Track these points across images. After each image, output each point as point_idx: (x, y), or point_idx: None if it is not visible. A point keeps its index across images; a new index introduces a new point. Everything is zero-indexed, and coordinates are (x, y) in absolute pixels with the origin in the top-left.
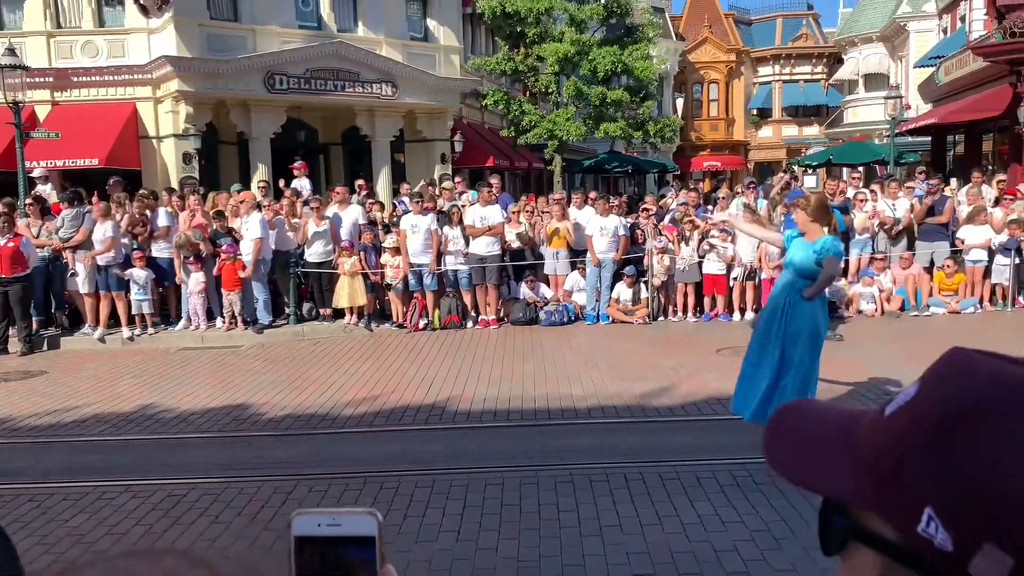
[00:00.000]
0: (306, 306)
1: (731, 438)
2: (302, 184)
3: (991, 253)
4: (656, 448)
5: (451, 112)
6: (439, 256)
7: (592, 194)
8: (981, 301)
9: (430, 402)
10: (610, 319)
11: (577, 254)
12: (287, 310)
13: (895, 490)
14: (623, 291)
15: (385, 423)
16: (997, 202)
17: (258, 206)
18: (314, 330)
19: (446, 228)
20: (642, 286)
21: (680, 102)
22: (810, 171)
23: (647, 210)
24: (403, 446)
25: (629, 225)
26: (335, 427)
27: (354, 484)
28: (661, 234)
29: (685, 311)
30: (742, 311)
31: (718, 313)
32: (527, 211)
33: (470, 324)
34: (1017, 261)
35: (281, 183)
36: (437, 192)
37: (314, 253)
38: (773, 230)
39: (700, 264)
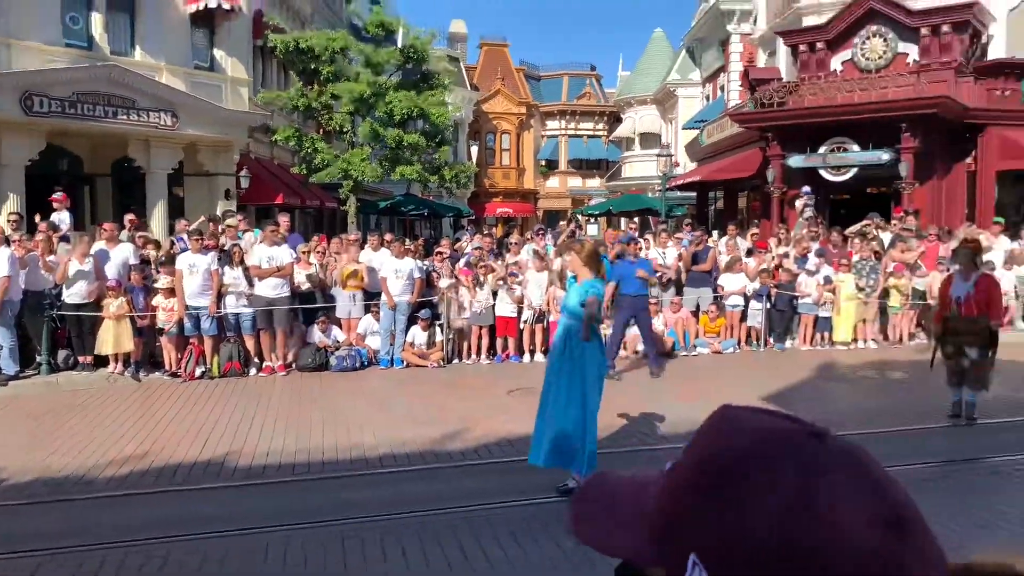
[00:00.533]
0: (62, 353)
1: (524, 479)
2: (61, 218)
3: (747, 299)
4: (448, 494)
5: (237, 146)
6: (219, 298)
7: (388, 236)
8: (739, 342)
9: (206, 458)
10: (404, 363)
11: (371, 296)
12: (38, 358)
13: (668, 542)
14: (418, 334)
15: (153, 484)
16: (750, 253)
17: (6, 240)
18: (71, 380)
19: (227, 268)
20: (437, 329)
21: (474, 150)
22: (592, 220)
23: (442, 253)
24: (173, 509)
25: (424, 268)
26: (92, 491)
27: (113, 557)
28: (456, 278)
29: (479, 353)
30: (532, 352)
31: (510, 355)
32: (318, 252)
33: (253, 371)
34: (768, 306)
35: (37, 217)
36: (220, 229)
37: (74, 294)
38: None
39: (493, 307)
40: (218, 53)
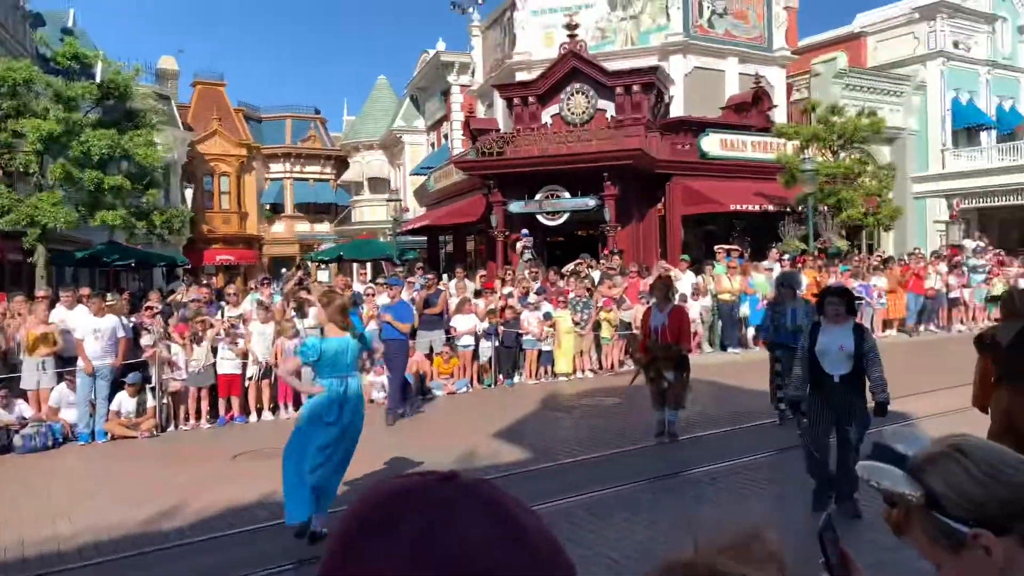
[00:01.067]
0: None
1: (249, 551)
2: None
3: (477, 338)
4: None
5: None
6: None
7: (85, 290)
8: (471, 380)
9: None
10: (109, 436)
11: (67, 362)
12: None
13: None
14: (125, 401)
15: None
16: (479, 294)
17: None
18: None
19: None
20: (148, 394)
21: (190, 193)
22: (323, 266)
23: (152, 308)
24: None
25: (131, 325)
26: None
27: None
28: (169, 334)
29: (199, 417)
30: (259, 411)
31: (234, 415)
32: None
33: None
34: (496, 344)
35: None
36: None
37: None
38: (289, 325)
39: (214, 365)
40: None
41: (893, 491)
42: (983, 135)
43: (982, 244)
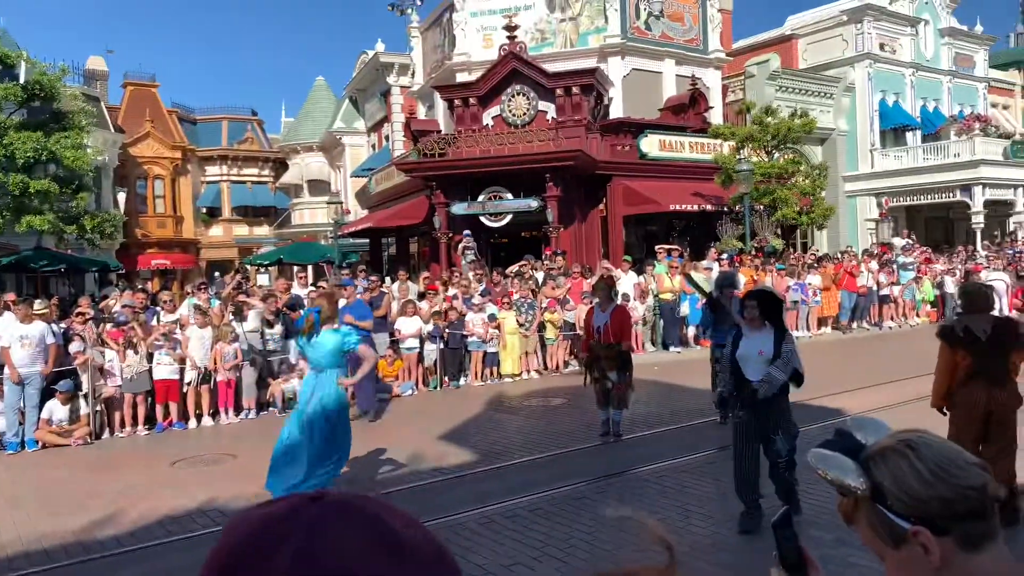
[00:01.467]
0: None
1: (188, 557)
2: None
3: (422, 341)
4: None
5: None
6: None
7: (10, 296)
8: (417, 383)
9: None
10: (40, 444)
11: None
12: None
13: None
14: (57, 409)
15: None
16: (423, 296)
17: None
18: None
19: None
20: (81, 401)
21: (123, 197)
22: (263, 270)
23: (83, 314)
24: None
25: (62, 332)
26: None
27: None
28: (103, 340)
29: (135, 424)
30: (199, 417)
31: (172, 422)
32: None
33: None
34: (442, 346)
35: None
36: None
37: None
38: (228, 329)
39: (150, 371)
40: None
41: (839, 481)
42: (909, 135)
43: (910, 242)
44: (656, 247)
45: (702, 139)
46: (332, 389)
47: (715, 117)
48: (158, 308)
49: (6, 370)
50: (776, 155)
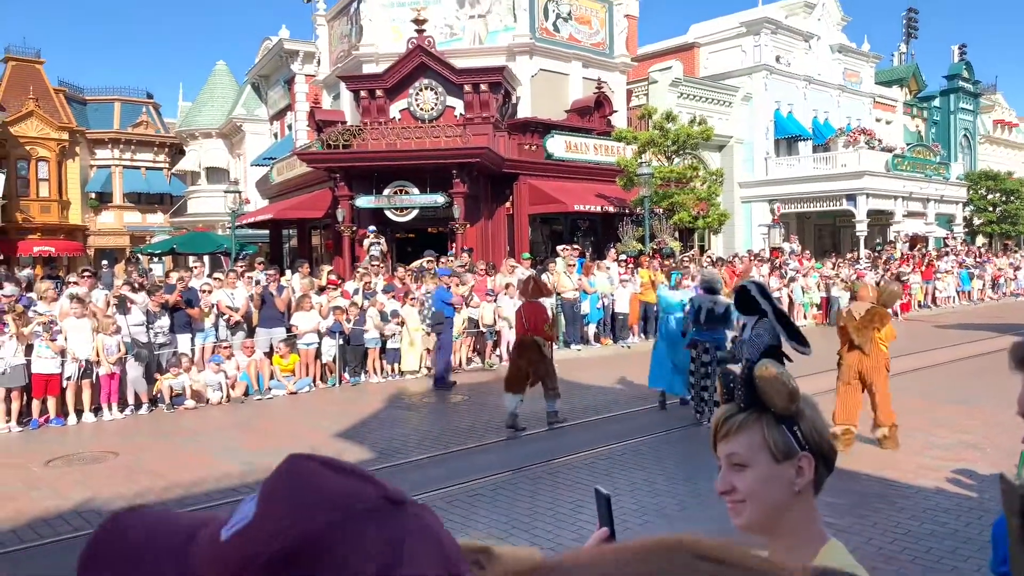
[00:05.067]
0: None
1: (59, 560)
2: None
3: (320, 336)
4: None
5: None
6: None
7: None
8: (314, 379)
9: None
10: None
11: None
12: None
13: None
14: None
15: None
16: (322, 290)
17: None
18: None
19: None
20: None
21: (1, 179)
22: (156, 259)
23: None
24: None
25: None
26: None
27: None
28: None
29: (9, 418)
30: (79, 412)
31: (50, 418)
32: None
33: None
34: (341, 342)
35: None
36: None
37: None
38: (109, 322)
39: (28, 364)
40: None
41: (784, 385)
42: (801, 145)
43: (796, 248)
44: (559, 247)
45: (606, 142)
46: None
47: (619, 120)
48: (37, 298)
49: None
50: (676, 160)
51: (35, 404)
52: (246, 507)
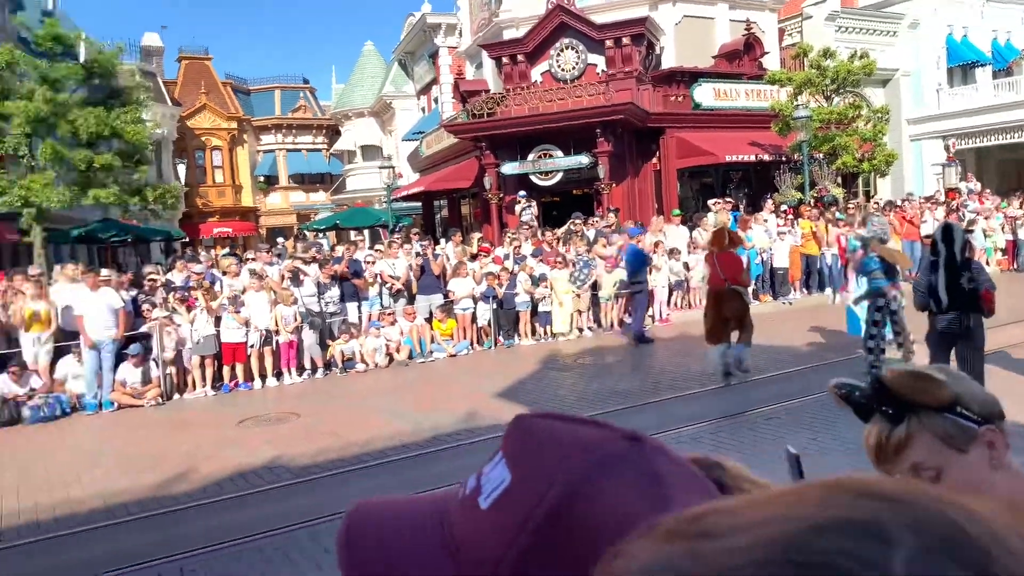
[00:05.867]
0: None
1: (256, 512)
2: None
3: (475, 301)
4: (173, 540)
5: None
6: None
7: (80, 267)
8: (471, 343)
9: None
10: (116, 405)
11: (69, 336)
12: None
13: None
14: (130, 372)
15: None
16: (475, 257)
17: None
18: None
19: None
20: (152, 364)
21: (183, 168)
22: (320, 235)
23: (153, 281)
24: None
25: (132, 298)
26: None
27: None
28: (172, 307)
29: (204, 384)
30: (263, 377)
31: (238, 383)
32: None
33: None
34: (494, 306)
35: None
36: None
37: None
38: (287, 294)
39: (218, 334)
40: None
41: (919, 380)
42: (978, 72)
43: (975, 187)
44: (710, 201)
45: (758, 86)
46: None
47: (771, 62)
48: (222, 274)
49: (82, 336)
50: (836, 100)
51: (225, 370)
52: (493, 473)
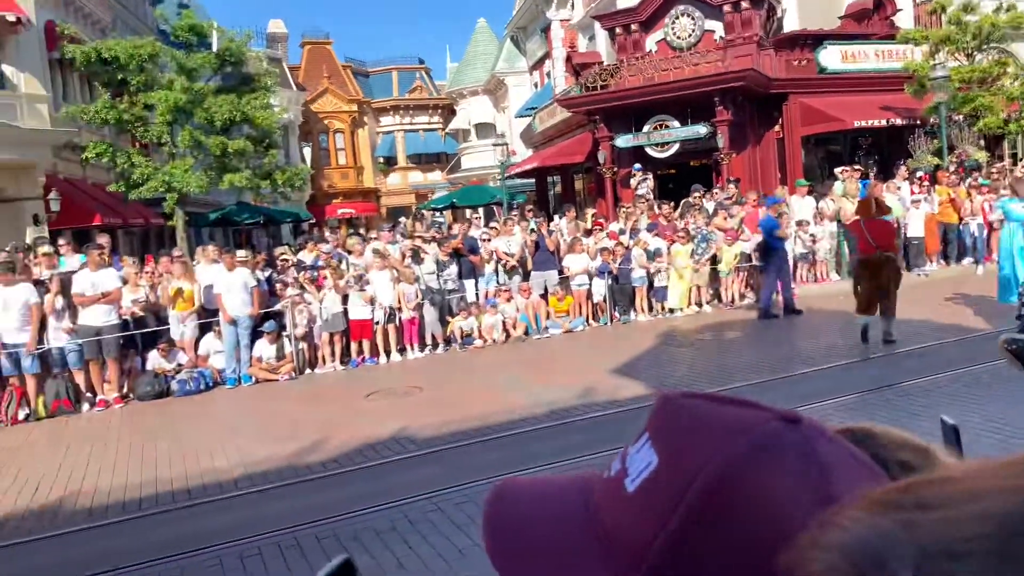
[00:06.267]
0: None
1: (384, 483)
2: None
3: (590, 277)
4: (309, 508)
5: (42, 167)
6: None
7: (217, 248)
8: (587, 319)
9: (38, 507)
10: (253, 380)
11: (211, 314)
12: None
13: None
14: (265, 348)
15: None
16: (589, 233)
17: None
18: None
19: (47, 299)
20: (285, 340)
21: (308, 151)
22: (438, 213)
23: (285, 261)
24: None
25: (267, 278)
26: None
27: None
28: (303, 285)
29: (334, 359)
30: (388, 353)
31: (365, 358)
32: (147, 272)
33: (86, 407)
34: (610, 282)
35: None
36: (33, 259)
37: None
38: (409, 272)
39: (345, 311)
40: (7, 69)
41: None
42: None
43: None
44: (837, 169)
45: (890, 46)
46: None
47: (904, 20)
48: (348, 253)
49: (221, 313)
50: (978, 57)
51: (353, 346)
52: (639, 455)
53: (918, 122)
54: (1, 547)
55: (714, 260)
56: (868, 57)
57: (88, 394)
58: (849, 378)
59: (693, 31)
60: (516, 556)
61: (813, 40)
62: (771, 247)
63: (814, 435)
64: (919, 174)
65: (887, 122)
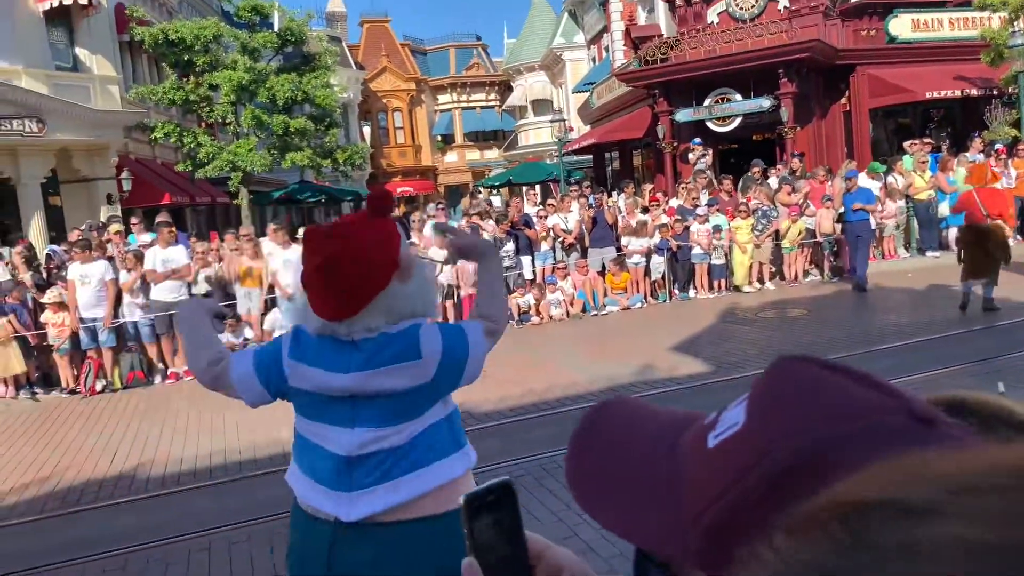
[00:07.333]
0: None
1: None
2: None
3: (649, 254)
4: None
5: (114, 147)
6: (116, 307)
7: (271, 226)
8: (645, 296)
9: (116, 473)
10: None
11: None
12: None
13: (725, 548)
14: None
15: (60, 506)
16: (647, 210)
17: None
18: None
19: (123, 275)
20: None
21: (367, 130)
22: (495, 191)
23: None
24: (85, 529)
25: None
26: None
27: None
28: None
29: None
30: None
31: None
32: (213, 249)
33: (158, 379)
34: (669, 258)
35: None
36: (107, 236)
37: None
38: None
39: None
40: (80, 52)
41: None
42: None
43: None
44: (906, 143)
45: (965, 13)
46: None
47: None
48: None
49: (278, 289)
50: None
51: None
52: (731, 413)
53: (995, 92)
54: (85, 510)
55: (777, 236)
56: (941, 25)
57: (160, 366)
58: (934, 353)
59: (756, 2)
60: (590, 479)
61: (882, 9)
62: (859, 220)
63: (947, 444)
64: (996, 147)
65: (961, 92)
